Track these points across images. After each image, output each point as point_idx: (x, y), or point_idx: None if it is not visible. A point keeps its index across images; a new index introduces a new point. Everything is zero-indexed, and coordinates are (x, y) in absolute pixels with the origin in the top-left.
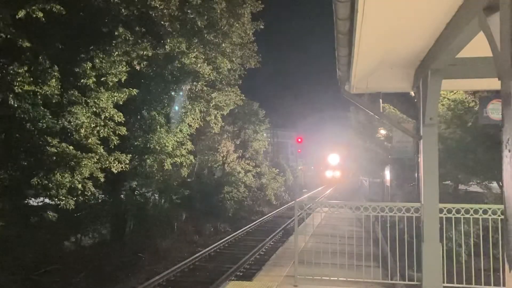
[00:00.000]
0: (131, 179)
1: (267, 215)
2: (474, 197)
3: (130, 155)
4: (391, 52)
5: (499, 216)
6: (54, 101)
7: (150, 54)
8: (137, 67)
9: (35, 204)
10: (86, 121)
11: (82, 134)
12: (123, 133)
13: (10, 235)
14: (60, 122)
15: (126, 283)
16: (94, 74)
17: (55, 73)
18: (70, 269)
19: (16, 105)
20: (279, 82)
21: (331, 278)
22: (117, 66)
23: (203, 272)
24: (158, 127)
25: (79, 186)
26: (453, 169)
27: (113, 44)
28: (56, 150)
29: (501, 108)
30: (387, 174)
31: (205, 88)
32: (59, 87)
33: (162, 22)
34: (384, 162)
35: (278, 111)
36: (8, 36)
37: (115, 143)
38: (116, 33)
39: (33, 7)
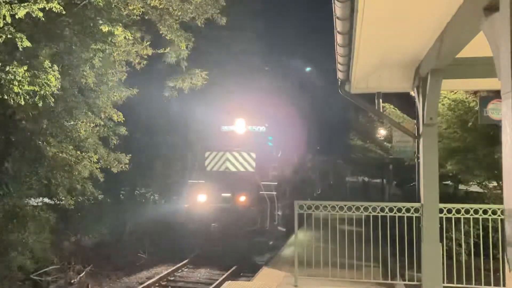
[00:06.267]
0: (131, 179)
1: None
2: (474, 197)
3: (130, 155)
4: (391, 52)
5: (499, 216)
6: (53, 101)
7: (150, 53)
8: (137, 67)
9: (34, 204)
10: (85, 121)
11: (82, 134)
12: (123, 133)
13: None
14: (59, 122)
15: (126, 282)
16: (93, 73)
17: (55, 73)
18: (70, 269)
19: (16, 105)
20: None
21: (331, 278)
22: (117, 66)
23: (203, 272)
24: (158, 127)
25: (79, 186)
26: (453, 169)
27: (113, 44)
28: (56, 150)
29: (501, 108)
30: (387, 174)
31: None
32: (59, 86)
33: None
34: (384, 162)
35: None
36: (8, 36)
37: (115, 143)
38: (116, 33)
39: (33, 7)
